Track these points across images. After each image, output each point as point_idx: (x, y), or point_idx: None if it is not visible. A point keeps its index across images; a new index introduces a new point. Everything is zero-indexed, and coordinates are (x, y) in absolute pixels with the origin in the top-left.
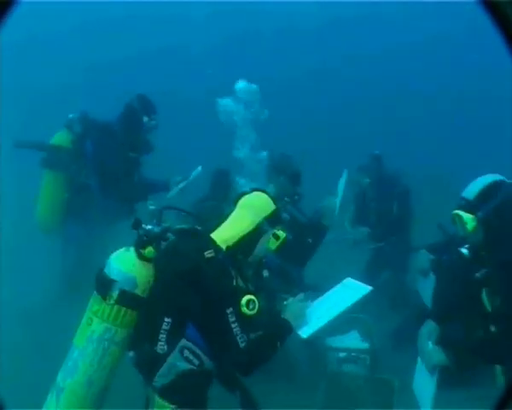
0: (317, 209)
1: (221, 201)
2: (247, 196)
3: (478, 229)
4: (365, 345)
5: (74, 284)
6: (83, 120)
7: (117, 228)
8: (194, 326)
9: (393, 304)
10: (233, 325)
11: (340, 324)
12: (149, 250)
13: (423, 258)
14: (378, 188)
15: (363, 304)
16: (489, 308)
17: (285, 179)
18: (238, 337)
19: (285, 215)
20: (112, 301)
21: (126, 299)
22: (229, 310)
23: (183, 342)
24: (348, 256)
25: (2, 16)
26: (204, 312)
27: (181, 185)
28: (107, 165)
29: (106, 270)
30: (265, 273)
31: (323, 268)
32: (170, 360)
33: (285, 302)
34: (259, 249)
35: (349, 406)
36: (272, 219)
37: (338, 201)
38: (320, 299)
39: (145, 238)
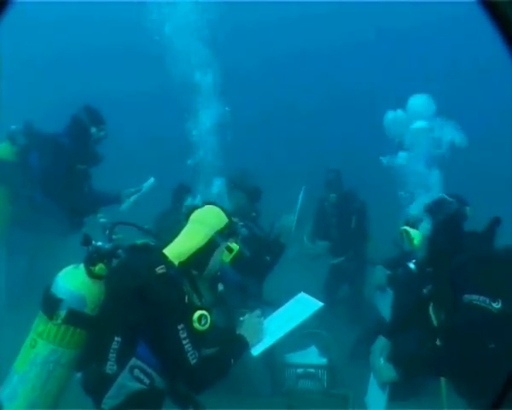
0: (275, 227)
1: (183, 215)
2: (198, 210)
3: (423, 244)
4: (323, 360)
5: (18, 298)
6: (27, 132)
7: (67, 242)
8: (145, 344)
9: (352, 318)
10: (184, 342)
11: (299, 339)
12: (100, 267)
13: (380, 273)
14: (339, 203)
15: (321, 319)
16: (435, 323)
17: (243, 196)
18: (189, 354)
19: (243, 230)
20: (59, 321)
21: (74, 318)
22: (181, 326)
23: (134, 361)
24: (308, 271)
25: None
26: (155, 329)
27: (133, 198)
28: (54, 177)
29: (53, 288)
30: (220, 287)
31: (283, 283)
32: (119, 380)
33: (241, 318)
34: (213, 263)
35: None
36: (225, 233)
37: (295, 219)
38: (273, 315)
39: (95, 255)
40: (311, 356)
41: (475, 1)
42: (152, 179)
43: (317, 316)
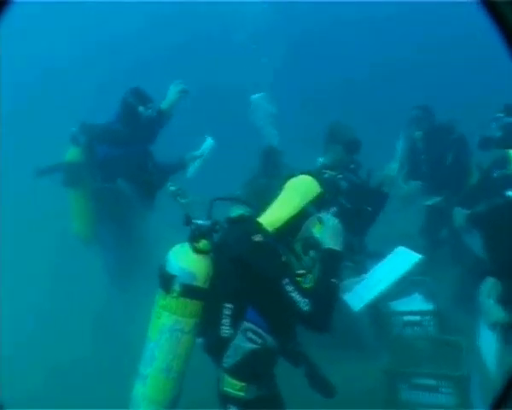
0: (376, 176)
1: (272, 178)
2: (293, 179)
3: None
4: (429, 307)
5: (123, 280)
6: (84, 130)
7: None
8: (254, 308)
9: (454, 261)
10: (292, 294)
11: (402, 287)
12: (203, 243)
13: (459, 215)
14: (429, 139)
15: (422, 265)
16: None
17: (340, 148)
18: (300, 303)
19: (343, 183)
20: (175, 295)
21: (188, 291)
22: (285, 281)
23: (245, 324)
24: (406, 215)
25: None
26: (261, 293)
27: (197, 162)
28: (118, 163)
29: (166, 266)
30: (312, 254)
31: (383, 231)
32: (235, 341)
33: (321, 217)
34: (304, 232)
35: (415, 366)
36: (318, 203)
37: (396, 166)
38: (372, 270)
39: (197, 232)
40: (416, 303)
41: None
42: (210, 140)
43: (419, 263)
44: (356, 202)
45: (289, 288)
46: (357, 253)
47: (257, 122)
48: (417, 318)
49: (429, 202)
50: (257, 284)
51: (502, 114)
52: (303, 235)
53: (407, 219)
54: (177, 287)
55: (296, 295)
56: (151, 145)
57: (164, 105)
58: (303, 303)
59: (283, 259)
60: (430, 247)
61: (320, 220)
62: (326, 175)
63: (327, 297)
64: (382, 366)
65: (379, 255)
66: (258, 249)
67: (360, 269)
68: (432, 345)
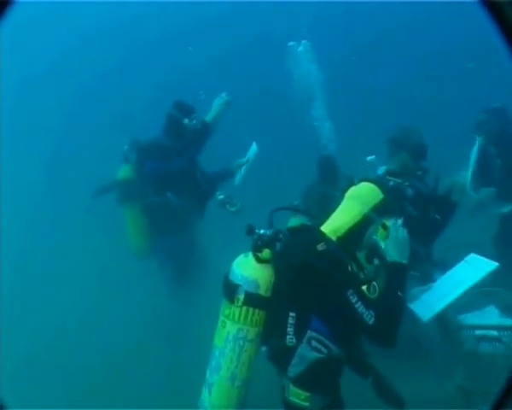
0: (446, 183)
1: (330, 186)
2: (354, 187)
3: None
4: (506, 321)
5: (183, 292)
6: (135, 148)
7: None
8: (318, 318)
9: None
10: (356, 305)
11: (474, 298)
12: (266, 252)
13: None
14: (501, 142)
15: (496, 275)
16: None
17: (406, 155)
18: (365, 316)
19: (409, 191)
20: (239, 304)
21: (252, 300)
22: (350, 292)
23: (310, 333)
24: (476, 223)
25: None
26: (325, 302)
27: (244, 169)
28: (167, 177)
29: (230, 276)
30: (376, 262)
31: (450, 238)
32: (300, 351)
33: (385, 223)
34: (368, 239)
35: (490, 387)
36: (380, 209)
37: (469, 174)
38: (442, 278)
39: (260, 242)
40: (491, 317)
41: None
42: (254, 145)
43: (492, 272)
44: (423, 210)
45: (354, 299)
46: (424, 262)
47: (315, 125)
48: (495, 333)
49: (505, 210)
50: (321, 292)
51: None
52: (367, 243)
53: (477, 227)
54: (241, 296)
55: (361, 307)
56: (198, 156)
57: (208, 117)
58: (367, 316)
59: (348, 268)
60: (505, 256)
61: (385, 227)
62: (391, 183)
63: (392, 311)
64: (456, 381)
65: (446, 265)
66: (322, 258)
67: (426, 279)
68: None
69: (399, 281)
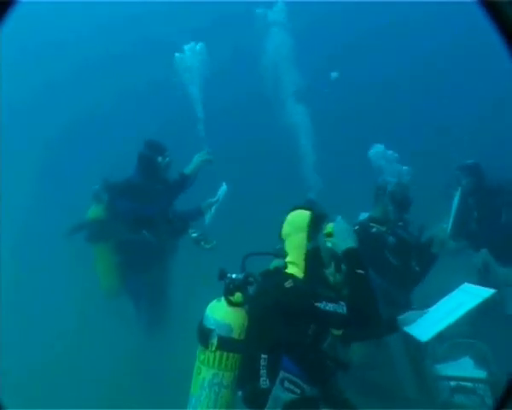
0: (426, 235)
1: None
2: (284, 224)
3: None
4: (481, 373)
5: (156, 330)
6: (106, 188)
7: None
8: (289, 358)
9: (509, 324)
10: (327, 308)
11: (450, 349)
12: (237, 296)
13: None
14: (478, 196)
15: (472, 326)
16: None
17: (393, 207)
18: (338, 310)
19: (391, 239)
20: (213, 349)
21: (225, 344)
22: (320, 302)
23: (282, 374)
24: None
25: (1, 16)
26: (295, 337)
27: (213, 208)
28: (141, 216)
29: (204, 321)
30: (343, 267)
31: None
32: (273, 393)
33: (327, 230)
34: (325, 254)
35: None
36: (314, 225)
37: (449, 227)
38: (436, 304)
39: (231, 286)
40: (467, 368)
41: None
42: (224, 186)
43: (469, 323)
44: (404, 259)
45: (322, 304)
46: (403, 309)
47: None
48: (469, 385)
49: (477, 261)
50: (291, 328)
51: None
52: (326, 256)
53: (456, 277)
54: (214, 340)
55: (331, 306)
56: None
57: (187, 170)
58: (340, 308)
59: (317, 295)
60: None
61: (330, 234)
62: (374, 229)
63: (359, 288)
64: None
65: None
66: (290, 294)
67: None
68: None
69: (355, 262)
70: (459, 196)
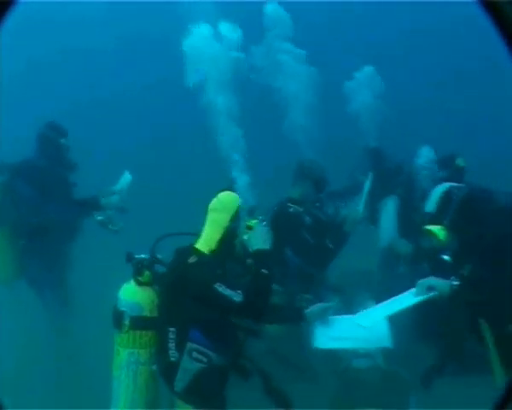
0: (341, 215)
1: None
2: (214, 200)
3: (449, 235)
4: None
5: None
6: (4, 168)
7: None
8: (197, 329)
9: None
10: (224, 292)
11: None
12: (146, 275)
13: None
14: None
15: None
16: None
17: (309, 185)
18: (233, 297)
19: (307, 219)
20: (126, 329)
21: (137, 323)
22: (217, 284)
23: (190, 345)
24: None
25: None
26: (200, 311)
27: (115, 198)
28: (41, 199)
29: (117, 304)
30: (249, 262)
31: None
32: (182, 364)
33: (250, 224)
34: (238, 243)
35: (362, 402)
36: (240, 213)
37: (361, 207)
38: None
39: (140, 266)
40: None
41: (475, 1)
42: (128, 175)
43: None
44: (319, 238)
45: (221, 288)
46: (318, 286)
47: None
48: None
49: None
50: (195, 299)
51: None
52: (238, 245)
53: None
54: (126, 321)
55: (228, 291)
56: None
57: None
58: (235, 296)
59: (218, 271)
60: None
61: (249, 228)
62: (291, 209)
63: (258, 286)
64: (330, 394)
65: (339, 289)
66: (193, 269)
67: (320, 302)
68: (380, 378)
69: (263, 262)
70: (370, 178)
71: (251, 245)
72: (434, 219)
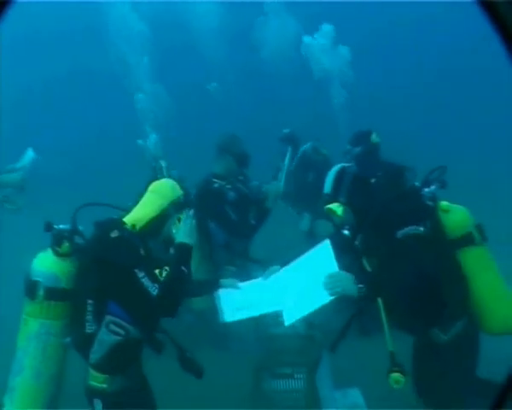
0: (262, 191)
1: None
2: (156, 182)
3: (346, 210)
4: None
5: None
6: None
7: None
8: (115, 302)
9: None
10: (143, 280)
11: None
12: (65, 246)
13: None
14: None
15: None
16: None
17: (231, 160)
18: (150, 288)
19: (231, 194)
20: (40, 299)
21: (52, 294)
22: (138, 270)
23: (108, 317)
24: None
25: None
26: (119, 284)
27: (14, 175)
28: None
29: (31, 274)
30: (171, 251)
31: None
32: (99, 336)
33: (180, 216)
34: (166, 231)
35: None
36: (178, 205)
37: (281, 183)
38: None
39: (59, 237)
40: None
41: (474, 1)
42: (31, 152)
43: None
44: (241, 213)
45: (141, 274)
46: (240, 257)
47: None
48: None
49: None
50: (115, 276)
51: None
52: (165, 233)
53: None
54: (40, 291)
55: (146, 281)
56: None
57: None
58: (152, 288)
59: (140, 252)
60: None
61: (180, 220)
62: (216, 185)
63: (174, 283)
64: (252, 361)
65: (261, 262)
66: (114, 244)
67: (242, 273)
68: (299, 341)
69: (184, 258)
70: (289, 156)
71: (176, 237)
72: (332, 198)
